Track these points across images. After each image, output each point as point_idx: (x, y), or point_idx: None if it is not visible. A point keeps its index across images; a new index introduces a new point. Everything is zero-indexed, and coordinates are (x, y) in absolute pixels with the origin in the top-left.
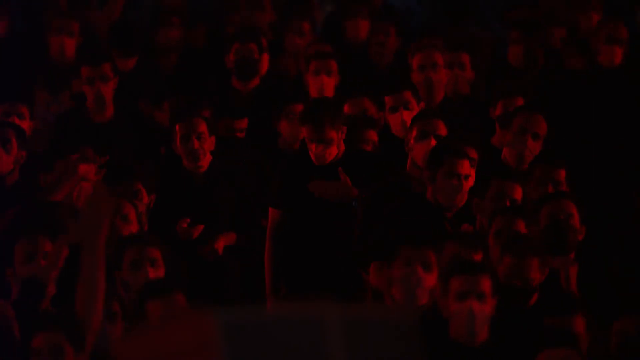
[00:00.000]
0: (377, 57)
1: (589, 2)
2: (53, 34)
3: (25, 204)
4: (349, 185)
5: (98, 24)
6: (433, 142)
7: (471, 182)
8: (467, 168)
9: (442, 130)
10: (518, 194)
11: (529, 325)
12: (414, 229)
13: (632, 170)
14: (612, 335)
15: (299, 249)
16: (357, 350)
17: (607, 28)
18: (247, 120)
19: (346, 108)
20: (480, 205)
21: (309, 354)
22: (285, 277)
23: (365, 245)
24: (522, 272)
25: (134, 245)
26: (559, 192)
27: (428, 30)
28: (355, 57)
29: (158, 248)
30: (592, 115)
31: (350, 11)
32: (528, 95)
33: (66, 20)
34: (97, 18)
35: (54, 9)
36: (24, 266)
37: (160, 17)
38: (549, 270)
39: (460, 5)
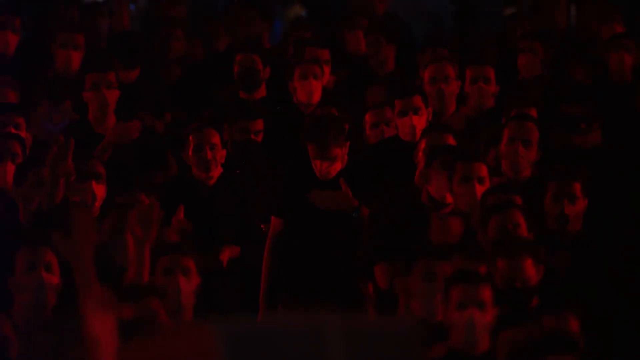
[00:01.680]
0: (377, 67)
1: (611, 14)
2: (59, 48)
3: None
4: (349, 196)
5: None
6: None
7: (487, 185)
8: (483, 170)
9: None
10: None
11: (530, 329)
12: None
13: (632, 170)
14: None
15: (300, 257)
16: None
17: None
18: (262, 122)
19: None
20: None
21: None
22: (285, 286)
23: (370, 254)
24: (519, 273)
25: (169, 252)
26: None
27: (435, 41)
28: (357, 69)
29: (192, 258)
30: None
31: (350, 23)
32: (538, 105)
33: (72, 34)
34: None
35: (65, 21)
36: (25, 276)
37: (163, 30)
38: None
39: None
